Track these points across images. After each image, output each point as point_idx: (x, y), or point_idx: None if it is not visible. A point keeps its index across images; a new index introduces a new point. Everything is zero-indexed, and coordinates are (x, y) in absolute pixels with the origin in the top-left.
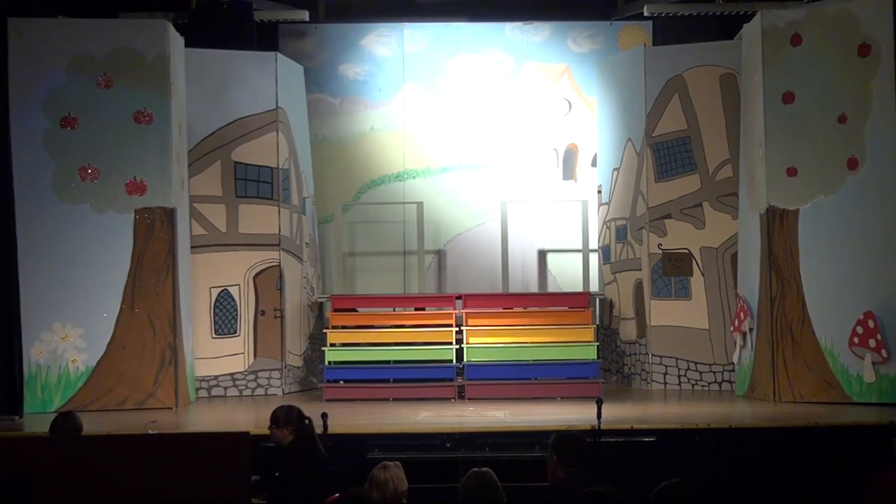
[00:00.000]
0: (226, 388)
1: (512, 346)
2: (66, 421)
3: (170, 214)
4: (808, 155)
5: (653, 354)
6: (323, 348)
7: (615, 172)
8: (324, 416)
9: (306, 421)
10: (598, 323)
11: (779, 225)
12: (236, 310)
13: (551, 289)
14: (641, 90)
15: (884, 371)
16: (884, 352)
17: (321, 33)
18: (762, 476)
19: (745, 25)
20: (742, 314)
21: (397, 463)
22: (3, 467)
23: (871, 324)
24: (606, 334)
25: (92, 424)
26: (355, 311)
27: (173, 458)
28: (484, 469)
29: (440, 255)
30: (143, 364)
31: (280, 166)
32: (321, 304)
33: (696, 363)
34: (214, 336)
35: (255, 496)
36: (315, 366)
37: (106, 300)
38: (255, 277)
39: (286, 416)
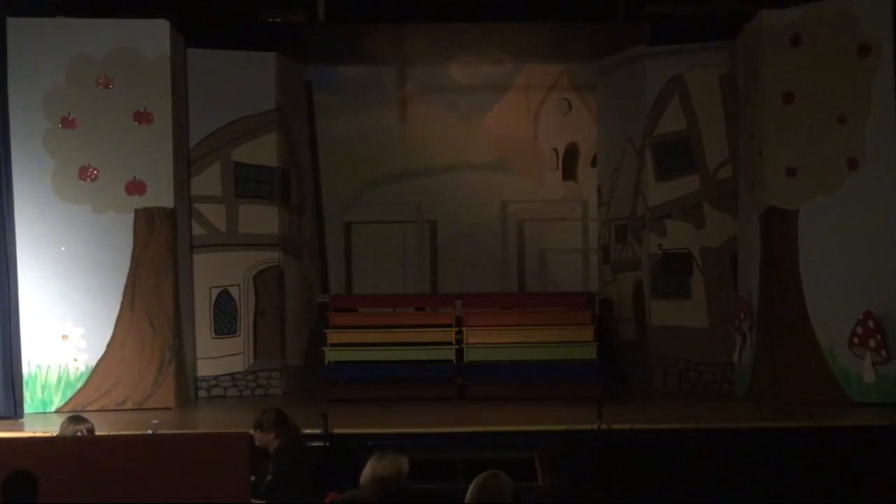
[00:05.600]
0: (226, 388)
1: (512, 346)
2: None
3: (170, 214)
4: (808, 155)
5: (653, 354)
6: (323, 348)
7: (615, 172)
8: (324, 416)
9: (289, 423)
10: (597, 323)
11: (779, 225)
12: (236, 310)
13: (551, 289)
14: (641, 90)
15: (884, 371)
16: (884, 352)
17: (321, 33)
18: (762, 476)
19: (745, 25)
20: (742, 314)
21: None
22: (5, 467)
23: (870, 324)
24: (606, 334)
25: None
26: (355, 311)
27: (173, 458)
28: (499, 472)
29: (440, 254)
30: (143, 364)
31: (280, 166)
32: (321, 304)
33: (696, 363)
34: (214, 336)
35: (255, 496)
36: (315, 366)
37: (106, 300)
38: (255, 277)
39: (269, 420)
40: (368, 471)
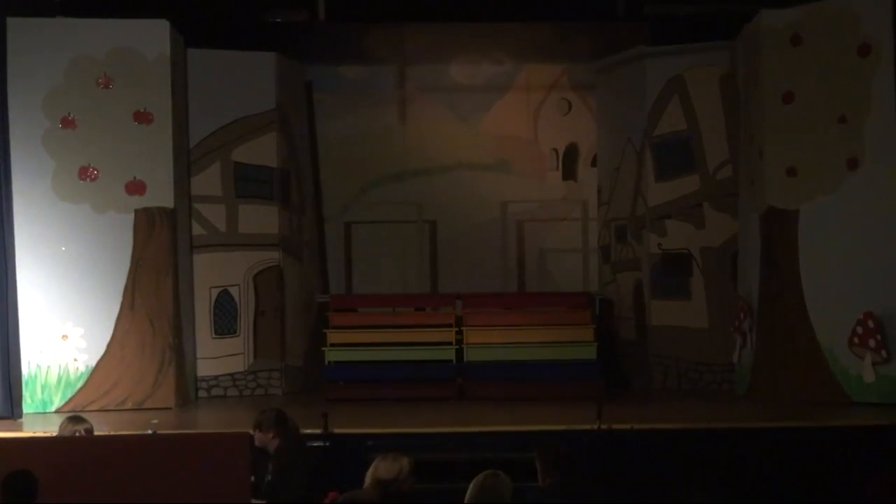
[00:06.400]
0: (226, 388)
1: (512, 346)
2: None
3: (170, 214)
4: (808, 155)
5: (653, 354)
6: (323, 348)
7: (615, 172)
8: (324, 416)
9: (289, 423)
10: (597, 323)
11: (779, 225)
12: (236, 310)
13: (551, 289)
14: (641, 90)
15: (884, 371)
16: (884, 352)
17: (321, 33)
18: (762, 476)
19: (745, 25)
20: (742, 314)
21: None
22: (5, 467)
23: (870, 324)
24: (606, 334)
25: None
26: (355, 311)
27: (173, 458)
28: (498, 472)
29: (440, 254)
30: (143, 364)
31: (280, 166)
32: (321, 304)
33: (696, 363)
34: (214, 336)
35: (255, 496)
36: (315, 366)
37: (106, 300)
38: (255, 277)
39: (269, 420)
40: (370, 472)
